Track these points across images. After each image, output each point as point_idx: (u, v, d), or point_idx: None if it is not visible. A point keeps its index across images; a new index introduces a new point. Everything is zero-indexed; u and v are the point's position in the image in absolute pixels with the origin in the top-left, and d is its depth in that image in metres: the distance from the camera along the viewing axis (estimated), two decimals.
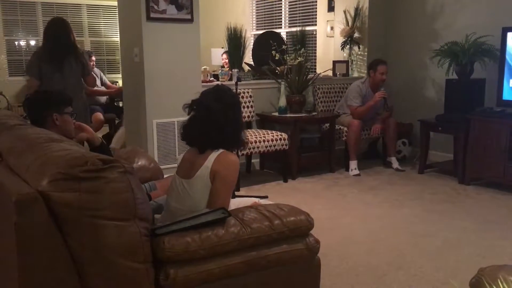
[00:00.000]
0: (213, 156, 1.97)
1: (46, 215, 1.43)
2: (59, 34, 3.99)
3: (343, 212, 3.85)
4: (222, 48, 6.82)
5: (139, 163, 2.83)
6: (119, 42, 9.88)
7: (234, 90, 4.15)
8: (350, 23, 5.71)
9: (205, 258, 1.69)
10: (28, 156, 1.63)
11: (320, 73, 5.41)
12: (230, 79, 5.00)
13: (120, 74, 5.81)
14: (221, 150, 2.00)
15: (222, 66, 6.57)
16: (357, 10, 5.64)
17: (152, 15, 4.18)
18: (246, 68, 5.59)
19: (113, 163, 1.51)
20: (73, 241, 1.48)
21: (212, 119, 2.00)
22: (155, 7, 4.18)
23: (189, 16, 4.36)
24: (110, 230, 1.49)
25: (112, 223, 1.49)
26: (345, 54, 5.88)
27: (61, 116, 2.40)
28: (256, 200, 2.50)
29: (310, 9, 7.09)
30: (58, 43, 3.97)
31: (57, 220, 1.46)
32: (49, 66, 3.91)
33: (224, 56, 6.67)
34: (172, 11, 4.27)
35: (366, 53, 5.70)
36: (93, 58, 6.33)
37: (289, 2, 7.51)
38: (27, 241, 1.40)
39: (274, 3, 7.74)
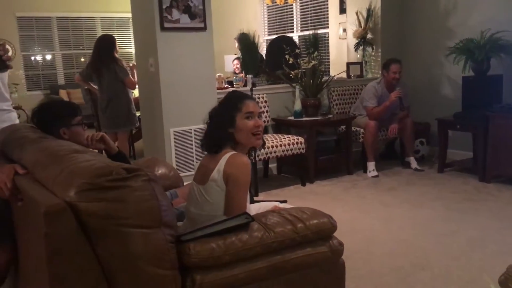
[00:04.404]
0: (224, 159, 1.99)
1: (75, 225, 1.46)
2: (98, 49, 4.93)
3: (363, 214, 3.83)
4: (235, 54, 6.86)
5: (159, 172, 2.86)
6: (133, 53, 10.04)
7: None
8: (362, 24, 5.70)
9: (230, 264, 1.70)
10: (54, 168, 1.66)
11: (334, 76, 5.40)
12: (245, 85, 5.03)
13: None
14: (231, 153, 2.01)
15: (234, 72, 6.59)
16: (369, 11, 5.63)
17: (166, 25, 4.23)
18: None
19: (137, 172, 1.54)
20: (101, 250, 1.50)
21: (213, 122, 2.10)
22: (169, 17, 4.23)
23: (202, 25, 4.40)
24: (136, 238, 1.51)
25: (139, 231, 1.51)
26: (358, 56, 5.87)
27: (68, 130, 2.34)
28: (277, 204, 2.51)
29: (321, 12, 7.10)
30: (97, 56, 4.91)
31: (85, 230, 1.49)
32: (94, 74, 4.95)
33: (236, 62, 6.70)
34: (185, 20, 4.32)
35: (380, 54, 5.68)
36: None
37: (301, 6, 7.54)
38: (57, 251, 1.43)
39: (285, 7, 7.76)
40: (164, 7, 4.19)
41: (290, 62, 5.04)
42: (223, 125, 2.07)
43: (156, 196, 1.55)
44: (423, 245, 3.15)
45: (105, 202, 1.47)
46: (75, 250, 1.46)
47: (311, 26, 7.21)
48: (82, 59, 10.01)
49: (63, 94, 9.29)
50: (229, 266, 1.70)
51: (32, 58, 9.75)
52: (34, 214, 1.53)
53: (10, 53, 2.04)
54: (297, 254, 1.84)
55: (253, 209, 2.21)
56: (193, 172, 4.49)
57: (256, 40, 5.41)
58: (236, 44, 6.77)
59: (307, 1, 7.37)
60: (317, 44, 5.70)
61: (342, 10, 6.43)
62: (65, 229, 1.44)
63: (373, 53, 5.78)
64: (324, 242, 1.91)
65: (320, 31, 6.60)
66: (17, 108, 7.17)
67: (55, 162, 1.70)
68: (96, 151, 2.34)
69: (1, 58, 1.95)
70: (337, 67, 6.43)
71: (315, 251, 1.88)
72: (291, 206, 2.36)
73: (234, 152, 2.02)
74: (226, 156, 1.99)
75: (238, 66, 6.36)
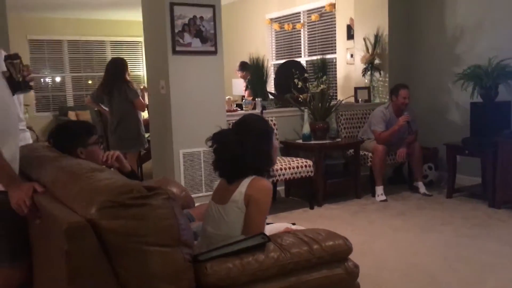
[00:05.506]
0: (246, 181, 2.00)
1: (95, 242, 1.47)
2: (109, 71, 5.03)
3: (373, 238, 3.80)
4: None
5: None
6: (141, 76, 10.17)
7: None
8: (370, 50, 5.77)
9: (246, 284, 1.70)
10: (74, 186, 1.68)
11: (342, 100, 5.45)
12: (254, 108, 5.07)
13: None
14: (253, 176, 2.02)
15: (244, 97, 6.68)
16: (377, 37, 5.70)
17: (178, 48, 4.30)
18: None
19: (157, 190, 1.56)
20: (120, 268, 1.51)
21: (229, 150, 2.03)
22: (181, 40, 4.31)
23: (213, 48, 4.47)
24: (155, 256, 1.51)
25: (158, 249, 1.52)
26: (366, 80, 5.92)
27: (85, 149, 2.37)
28: (288, 225, 2.51)
29: (329, 37, 7.20)
30: (108, 78, 5.01)
31: (104, 247, 1.50)
32: (105, 96, 5.03)
33: (244, 83, 6.81)
34: (196, 44, 4.39)
35: (387, 79, 5.74)
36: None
37: (308, 32, 7.65)
38: (78, 268, 1.44)
39: (293, 33, 7.88)
40: (176, 31, 4.28)
41: (299, 86, 5.09)
42: (269, 153, 2.11)
43: (175, 214, 1.56)
44: (434, 271, 3.12)
45: (125, 219, 1.49)
46: (95, 268, 1.46)
47: (318, 51, 7.30)
48: (90, 82, 10.14)
49: (71, 115, 9.38)
50: (246, 287, 1.70)
51: (42, 80, 9.87)
52: (54, 231, 1.54)
53: (33, 75, 2.08)
54: (312, 275, 1.84)
55: (266, 231, 2.21)
56: (201, 194, 4.52)
57: (265, 64, 5.48)
58: (239, 74, 6.92)
59: (315, 27, 7.48)
60: (325, 69, 5.77)
61: (350, 36, 6.52)
62: (86, 247, 1.45)
63: (380, 78, 5.84)
64: (339, 264, 1.91)
65: (327, 56, 6.68)
66: (29, 128, 7.24)
67: (75, 180, 1.72)
68: (112, 169, 2.36)
69: (25, 79, 2.00)
70: (344, 92, 6.48)
71: (331, 273, 1.87)
72: (302, 228, 2.35)
73: (255, 175, 2.03)
74: (249, 179, 2.00)
75: (245, 85, 6.52)
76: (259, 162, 2.06)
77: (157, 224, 1.52)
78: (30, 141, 2.92)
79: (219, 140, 2.08)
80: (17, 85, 2.00)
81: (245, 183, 1.99)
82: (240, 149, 2.02)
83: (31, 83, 2.05)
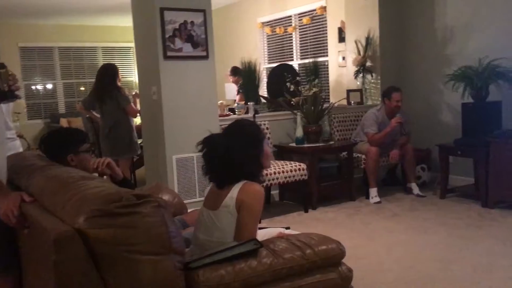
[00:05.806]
0: (237, 186, 1.98)
1: (84, 252, 1.45)
2: (100, 77, 5.02)
3: (368, 241, 3.80)
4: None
5: (164, 198, 2.84)
6: (133, 82, 10.13)
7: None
8: (361, 52, 5.78)
9: None
10: (62, 195, 1.66)
11: (335, 103, 5.45)
12: (247, 112, 5.06)
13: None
14: (244, 181, 2.01)
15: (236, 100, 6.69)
16: (368, 39, 5.72)
17: (169, 53, 4.28)
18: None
19: (147, 198, 1.54)
20: (109, 277, 1.49)
21: (218, 153, 2.02)
22: (172, 46, 4.29)
23: (204, 53, 4.46)
24: (145, 265, 1.49)
25: (148, 258, 1.50)
26: (358, 83, 5.93)
27: (76, 156, 2.37)
28: (281, 230, 2.49)
29: (321, 40, 7.21)
30: (99, 84, 4.99)
31: (94, 257, 1.48)
32: (96, 102, 5.01)
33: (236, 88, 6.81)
34: (188, 49, 4.37)
35: (379, 81, 5.75)
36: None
37: (300, 35, 7.66)
38: (66, 278, 1.42)
39: (285, 36, 7.89)
40: (167, 36, 4.26)
41: (291, 89, 5.09)
42: (258, 158, 2.08)
43: (165, 222, 1.54)
44: (430, 272, 3.11)
45: (114, 228, 1.47)
46: (84, 278, 1.44)
47: (310, 54, 7.31)
48: (82, 88, 10.09)
49: (63, 122, 9.32)
50: None
51: (33, 87, 9.82)
52: (42, 241, 1.52)
53: (19, 84, 2.06)
54: (306, 281, 1.82)
55: (258, 235, 2.19)
56: (195, 200, 4.50)
57: (257, 68, 5.48)
58: (231, 79, 6.92)
59: (306, 30, 7.50)
60: (317, 72, 5.76)
61: (341, 39, 6.54)
62: (74, 257, 1.43)
63: (372, 80, 5.85)
64: (333, 269, 1.90)
65: (319, 59, 6.69)
66: (19, 136, 7.18)
67: (64, 189, 1.70)
68: (105, 177, 2.34)
69: (10, 88, 1.97)
70: (337, 94, 6.49)
71: (324, 277, 1.86)
72: (296, 232, 2.34)
73: (246, 180, 2.01)
74: (240, 183, 1.98)
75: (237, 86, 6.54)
76: (247, 166, 2.04)
77: (147, 232, 1.50)
78: (20, 149, 2.89)
79: (208, 144, 2.06)
80: (3, 94, 1.97)
81: (236, 188, 1.97)
82: (227, 152, 2.00)
83: (17, 93, 2.02)
